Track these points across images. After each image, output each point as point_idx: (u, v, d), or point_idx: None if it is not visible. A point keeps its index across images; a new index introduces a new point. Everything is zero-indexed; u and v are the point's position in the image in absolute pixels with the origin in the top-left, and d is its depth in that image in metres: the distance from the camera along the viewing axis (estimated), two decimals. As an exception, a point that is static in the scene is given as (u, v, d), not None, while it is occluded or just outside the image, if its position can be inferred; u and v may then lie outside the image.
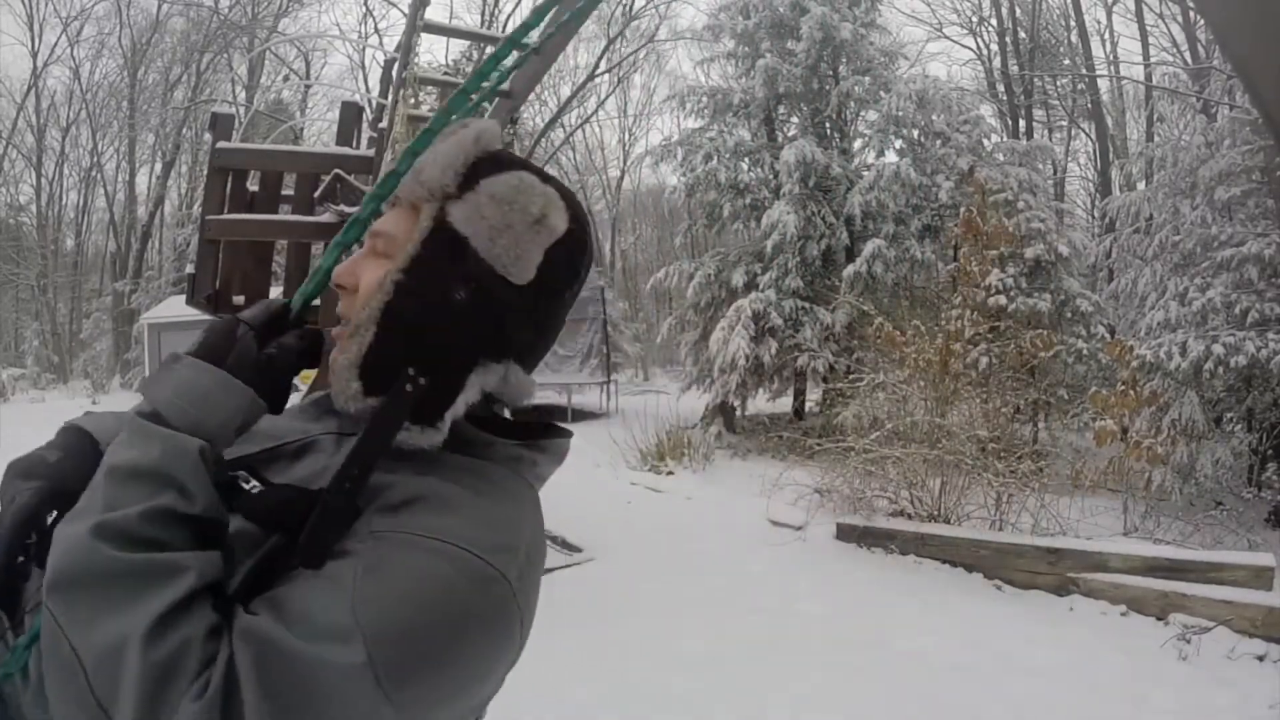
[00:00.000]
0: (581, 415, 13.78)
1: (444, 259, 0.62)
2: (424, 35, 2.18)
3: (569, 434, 0.73)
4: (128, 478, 0.54)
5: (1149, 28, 16.30)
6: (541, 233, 0.64)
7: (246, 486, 0.62)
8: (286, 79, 23.37)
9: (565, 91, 22.06)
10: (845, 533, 4.92)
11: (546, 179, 0.68)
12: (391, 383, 0.60)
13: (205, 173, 4.07)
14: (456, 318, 0.62)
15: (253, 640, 0.50)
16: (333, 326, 0.66)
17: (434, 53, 23.27)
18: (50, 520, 0.66)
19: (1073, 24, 17.36)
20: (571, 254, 0.67)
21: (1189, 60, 13.43)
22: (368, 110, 4.60)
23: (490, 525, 0.60)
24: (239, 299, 4.08)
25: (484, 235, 0.63)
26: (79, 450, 0.71)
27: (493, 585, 0.57)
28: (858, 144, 10.89)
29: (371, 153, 3.68)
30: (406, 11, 2.47)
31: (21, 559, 0.65)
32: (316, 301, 0.74)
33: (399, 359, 0.61)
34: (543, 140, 20.57)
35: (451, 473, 0.62)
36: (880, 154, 10.19)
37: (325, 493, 0.57)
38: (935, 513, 5.00)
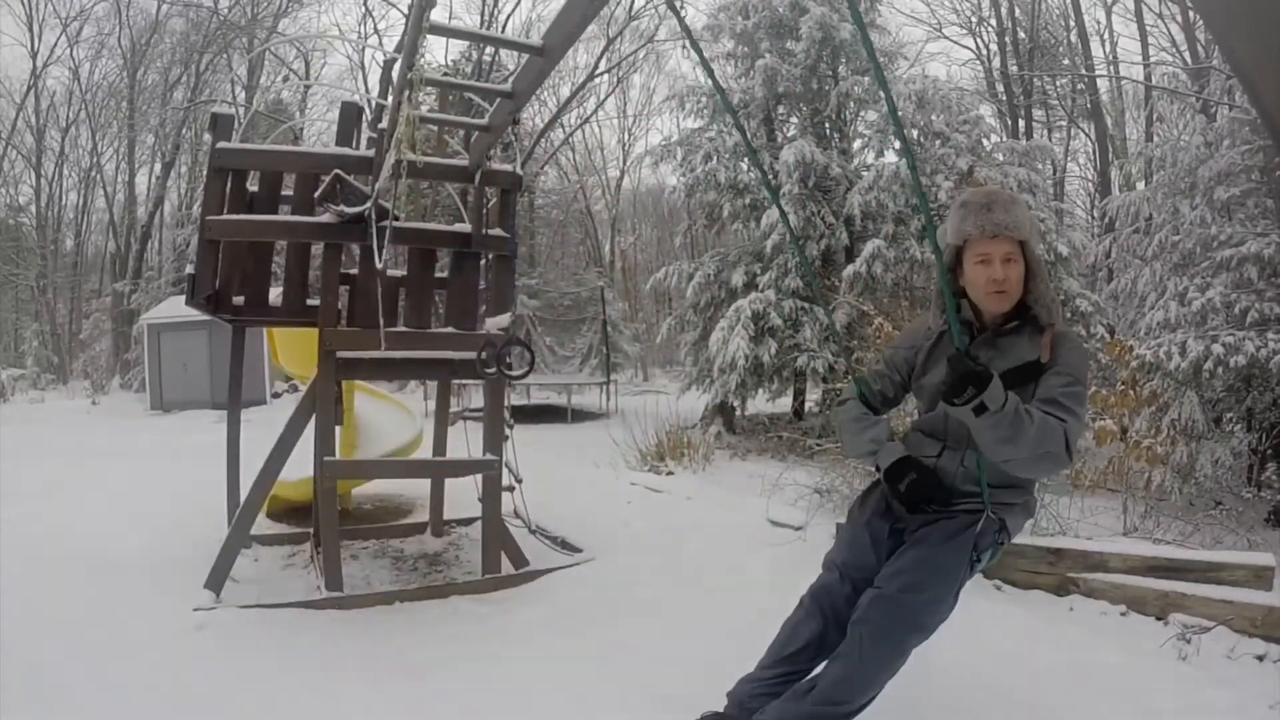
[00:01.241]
0: (581, 415, 13.78)
1: (1037, 264, 1.96)
2: (427, 35, 2.17)
3: None
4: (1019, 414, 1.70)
5: (1148, 28, 16.34)
6: None
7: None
8: (286, 79, 23.38)
9: (565, 91, 22.07)
10: (845, 533, 4.90)
11: None
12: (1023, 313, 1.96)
13: (205, 173, 4.07)
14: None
15: (1065, 398, 1.80)
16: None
17: (433, 52, 23.31)
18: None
19: (1072, 24, 17.39)
20: None
21: (1188, 60, 13.46)
22: (367, 111, 4.59)
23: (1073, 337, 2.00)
24: (239, 299, 4.07)
25: (1035, 250, 1.97)
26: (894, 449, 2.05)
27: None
28: (857, 144, 10.89)
29: (371, 153, 3.67)
30: (407, 12, 2.46)
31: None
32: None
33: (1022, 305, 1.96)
34: (542, 140, 20.55)
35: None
36: (880, 154, 10.18)
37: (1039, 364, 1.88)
38: (935, 513, 4.98)
